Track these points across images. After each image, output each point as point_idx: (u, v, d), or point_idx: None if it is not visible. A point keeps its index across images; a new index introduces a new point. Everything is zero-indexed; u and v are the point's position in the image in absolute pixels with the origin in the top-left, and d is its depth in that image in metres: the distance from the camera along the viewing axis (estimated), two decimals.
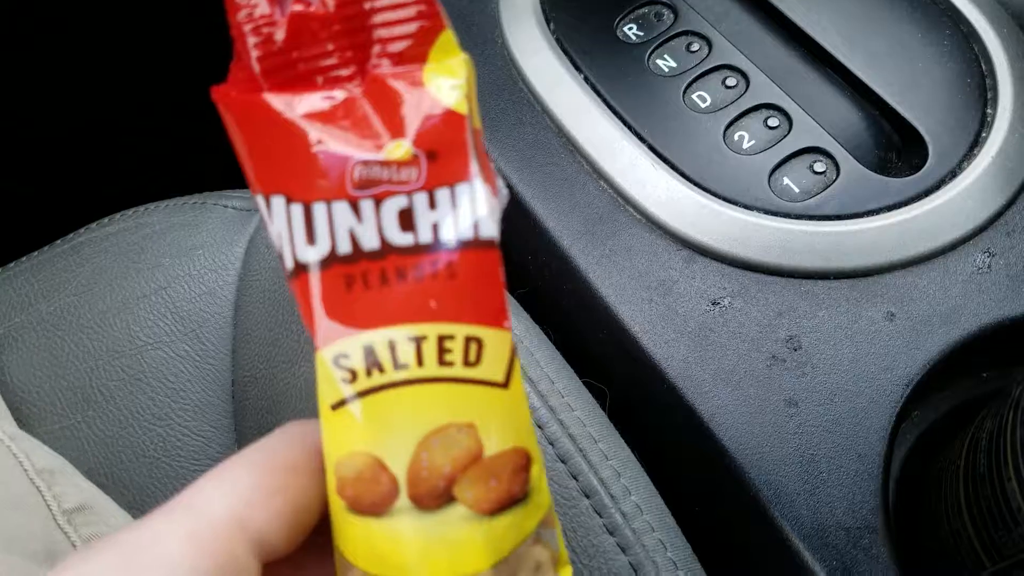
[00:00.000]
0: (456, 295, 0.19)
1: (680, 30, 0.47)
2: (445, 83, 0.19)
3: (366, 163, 0.19)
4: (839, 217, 0.41)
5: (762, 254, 0.41)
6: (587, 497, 0.36)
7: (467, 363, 0.19)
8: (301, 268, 0.19)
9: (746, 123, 0.44)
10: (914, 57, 0.45)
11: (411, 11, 0.19)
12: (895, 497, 0.41)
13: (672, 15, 0.48)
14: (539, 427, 0.37)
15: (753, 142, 0.43)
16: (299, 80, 0.20)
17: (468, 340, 0.19)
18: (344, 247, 0.19)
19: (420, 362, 0.19)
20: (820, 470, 0.37)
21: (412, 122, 0.19)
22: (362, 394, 0.19)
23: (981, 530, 0.34)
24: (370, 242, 0.19)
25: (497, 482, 0.20)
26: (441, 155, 0.19)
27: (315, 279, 0.19)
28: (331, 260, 0.19)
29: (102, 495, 0.40)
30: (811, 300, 0.40)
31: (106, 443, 0.44)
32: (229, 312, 0.47)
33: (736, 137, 0.44)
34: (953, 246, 0.41)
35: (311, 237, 0.19)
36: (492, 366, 0.20)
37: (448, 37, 0.20)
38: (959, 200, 0.41)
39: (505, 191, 0.20)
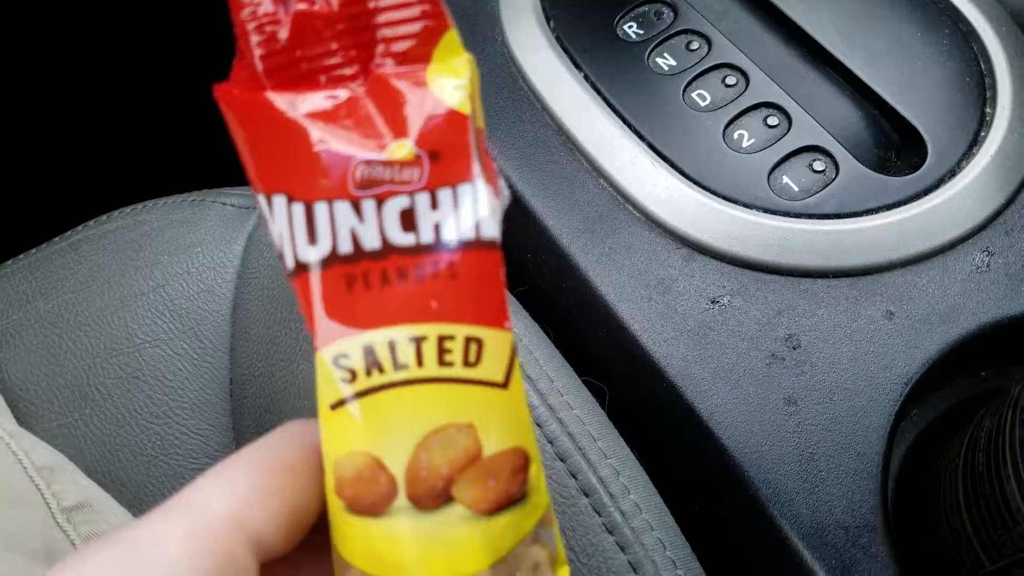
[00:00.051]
0: (457, 295, 0.19)
1: (680, 29, 0.47)
2: (448, 83, 0.19)
3: (368, 163, 0.19)
4: (838, 216, 0.41)
5: (761, 253, 0.41)
6: (586, 496, 0.36)
7: (467, 363, 0.19)
8: (302, 268, 0.19)
9: (746, 122, 0.44)
10: (913, 56, 0.45)
11: (415, 11, 0.19)
12: (894, 496, 0.41)
13: (672, 14, 0.48)
14: (538, 425, 0.37)
15: (752, 141, 0.43)
16: (302, 79, 0.19)
17: (468, 340, 0.19)
18: (345, 247, 0.19)
19: (420, 362, 0.19)
20: (819, 469, 0.37)
21: (415, 122, 0.19)
22: (361, 394, 0.19)
23: (980, 529, 0.34)
24: (371, 242, 0.19)
25: (495, 482, 0.20)
26: (444, 155, 0.19)
27: (316, 279, 0.19)
28: (332, 260, 0.19)
29: (102, 493, 0.40)
30: (810, 299, 0.40)
31: (104, 441, 0.44)
32: (227, 310, 0.47)
33: (736, 136, 0.44)
34: (952, 245, 0.41)
35: (312, 237, 0.19)
36: (492, 366, 0.20)
37: (452, 37, 0.20)
38: (958, 199, 0.41)
39: (507, 192, 0.20)
